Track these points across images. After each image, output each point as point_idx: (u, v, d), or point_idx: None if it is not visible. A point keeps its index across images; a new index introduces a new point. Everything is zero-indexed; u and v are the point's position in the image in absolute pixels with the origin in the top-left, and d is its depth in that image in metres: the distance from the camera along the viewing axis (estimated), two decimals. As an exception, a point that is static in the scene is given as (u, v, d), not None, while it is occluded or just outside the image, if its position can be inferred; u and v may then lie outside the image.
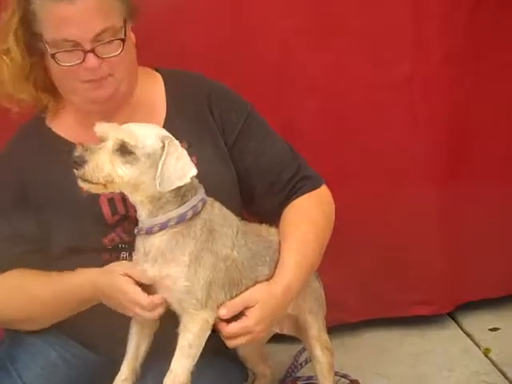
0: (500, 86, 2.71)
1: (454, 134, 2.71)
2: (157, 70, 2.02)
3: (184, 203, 1.72)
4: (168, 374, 1.71)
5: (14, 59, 1.81)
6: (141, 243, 1.77)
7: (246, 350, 2.11)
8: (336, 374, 2.17)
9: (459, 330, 2.84)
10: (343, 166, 2.61)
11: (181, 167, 1.70)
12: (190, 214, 1.73)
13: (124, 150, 1.64)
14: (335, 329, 2.34)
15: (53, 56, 1.74)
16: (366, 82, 2.57)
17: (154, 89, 1.98)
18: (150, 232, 1.73)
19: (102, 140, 1.67)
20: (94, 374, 1.93)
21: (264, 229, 1.93)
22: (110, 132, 1.66)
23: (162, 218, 1.71)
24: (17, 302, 1.84)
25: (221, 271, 1.75)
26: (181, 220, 1.72)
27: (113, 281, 1.72)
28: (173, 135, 1.79)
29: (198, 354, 1.74)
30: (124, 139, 1.65)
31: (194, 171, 1.72)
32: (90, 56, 1.74)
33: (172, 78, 2.01)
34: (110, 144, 1.65)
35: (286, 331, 2.03)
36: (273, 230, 1.94)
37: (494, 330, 2.80)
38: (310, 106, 2.55)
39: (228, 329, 1.74)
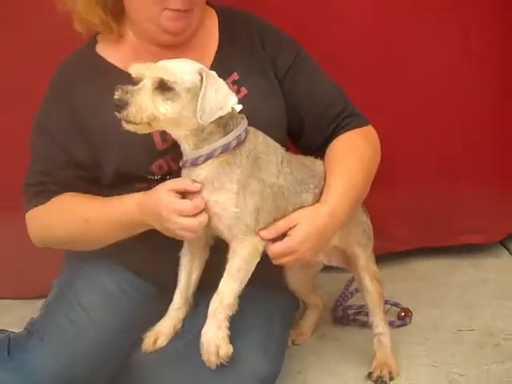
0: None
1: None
2: (209, 5, 2.03)
3: (227, 133, 1.74)
4: (215, 294, 1.74)
5: None
6: (187, 175, 1.79)
7: (297, 280, 2.14)
8: (386, 302, 2.20)
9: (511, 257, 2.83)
10: (394, 95, 2.57)
11: (221, 98, 1.71)
12: (234, 143, 1.74)
13: (164, 88, 1.66)
14: (383, 257, 2.33)
15: None
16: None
17: (209, 23, 2.01)
18: (195, 163, 1.75)
19: (137, 81, 1.68)
20: (148, 302, 1.98)
21: (309, 160, 1.94)
22: (147, 72, 1.67)
23: (207, 149, 1.73)
24: (69, 224, 1.89)
25: (268, 197, 1.77)
26: (225, 149, 1.73)
27: (155, 196, 1.75)
28: (224, 67, 1.88)
29: (247, 279, 1.77)
30: (163, 76, 1.66)
31: (234, 100, 1.73)
32: None
33: (225, 12, 2.03)
34: (149, 83, 1.65)
35: (334, 263, 2.04)
36: (318, 161, 1.95)
37: (546, 257, 2.79)
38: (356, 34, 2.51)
39: (273, 248, 1.77)
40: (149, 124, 1.67)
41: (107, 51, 1.97)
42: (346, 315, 2.31)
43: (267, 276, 1.83)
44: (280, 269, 2.01)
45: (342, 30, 2.49)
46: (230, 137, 1.74)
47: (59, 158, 1.92)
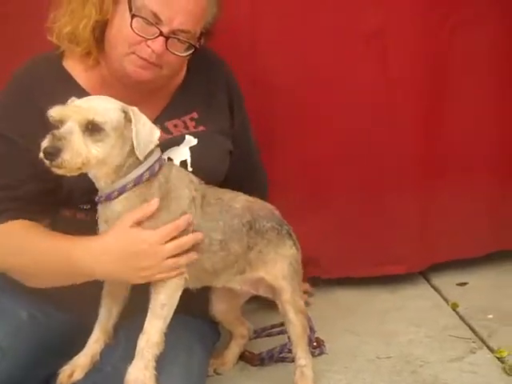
0: (475, 37, 2.69)
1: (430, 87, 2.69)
2: None
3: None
4: (141, 335, 1.73)
5: (103, 9, 1.84)
6: (102, 211, 1.76)
7: (221, 310, 2.12)
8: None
9: (428, 286, 2.88)
10: (319, 116, 2.61)
11: (149, 131, 1.71)
12: (146, 174, 1.72)
13: (93, 129, 1.62)
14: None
15: (132, 16, 1.77)
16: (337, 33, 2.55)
17: None
18: (109, 198, 1.72)
19: (58, 123, 1.62)
20: (65, 334, 1.92)
21: (230, 194, 1.93)
22: (73, 114, 1.62)
23: (120, 183, 1.70)
24: (15, 253, 1.81)
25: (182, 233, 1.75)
26: (138, 182, 1.71)
27: (122, 238, 1.70)
28: (185, 104, 1.97)
29: (171, 315, 1.76)
30: (93, 118, 1.62)
31: (158, 132, 1.73)
32: (161, 41, 1.79)
33: (196, 55, 1.97)
34: (76, 126, 1.60)
35: (261, 293, 2.03)
36: (241, 197, 1.94)
37: (461, 284, 2.85)
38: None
39: None
40: (79, 168, 1.62)
41: (75, 69, 1.93)
42: (270, 356, 2.26)
43: (189, 305, 1.82)
44: (202, 298, 1.99)
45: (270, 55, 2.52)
46: (142, 169, 1.72)
47: (24, 170, 1.83)
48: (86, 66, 1.93)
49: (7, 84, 1.91)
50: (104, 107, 1.67)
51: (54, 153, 1.57)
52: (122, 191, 1.71)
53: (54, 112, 1.63)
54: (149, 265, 1.71)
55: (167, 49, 1.81)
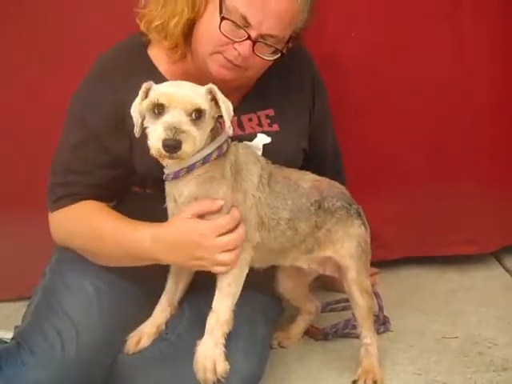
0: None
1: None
2: None
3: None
4: (210, 314, 1.74)
5: (196, 7, 1.81)
6: (170, 189, 1.76)
7: (288, 287, 2.13)
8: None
9: (500, 267, 2.79)
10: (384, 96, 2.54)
11: (228, 106, 1.70)
12: (215, 154, 1.71)
13: (197, 117, 1.61)
14: (374, 264, 2.29)
15: (222, 19, 1.74)
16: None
17: None
18: (177, 176, 1.71)
19: (158, 107, 1.61)
20: (132, 304, 1.95)
21: (298, 174, 1.91)
22: (179, 102, 1.60)
23: (187, 161, 1.68)
24: (84, 236, 1.85)
25: (251, 211, 1.75)
26: (206, 161, 1.70)
27: (179, 227, 1.71)
28: (261, 99, 1.93)
29: (239, 292, 1.77)
30: (200, 107, 1.61)
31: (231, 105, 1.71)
32: (248, 44, 1.75)
33: None
34: (184, 114, 1.60)
35: (328, 272, 2.01)
36: (309, 176, 1.92)
37: (536, 267, 2.75)
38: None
39: None
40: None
41: (160, 60, 1.91)
42: (334, 331, 2.25)
43: (253, 280, 1.82)
44: (266, 273, 1.98)
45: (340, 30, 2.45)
46: (209, 148, 1.71)
47: (99, 157, 1.85)
48: (171, 59, 1.90)
49: (90, 69, 1.91)
50: (199, 93, 1.65)
51: (175, 145, 1.56)
52: (190, 170, 1.70)
53: (160, 96, 1.60)
54: (202, 256, 1.71)
55: (254, 52, 1.77)
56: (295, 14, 1.81)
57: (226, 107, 1.67)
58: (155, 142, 1.58)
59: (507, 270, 2.76)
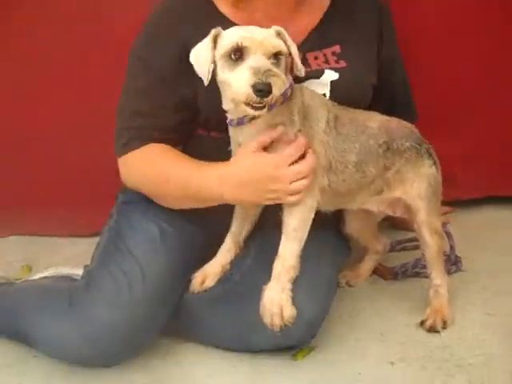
0: None
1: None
2: None
3: None
4: (277, 259, 1.72)
5: None
6: (234, 134, 1.72)
7: (356, 227, 2.10)
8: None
9: None
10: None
11: (295, 48, 1.65)
12: (280, 99, 1.64)
13: (275, 60, 1.57)
14: (447, 204, 2.26)
15: None
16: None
17: None
18: (241, 123, 1.67)
19: (236, 51, 1.55)
20: (197, 245, 1.96)
21: (365, 115, 1.84)
22: (259, 46, 1.55)
23: None
24: (152, 179, 1.85)
25: (319, 155, 1.71)
26: (271, 107, 1.62)
27: (246, 164, 1.68)
28: (327, 36, 1.86)
29: (305, 237, 1.74)
30: (280, 50, 1.58)
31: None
32: None
33: None
34: (264, 58, 1.55)
35: (398, 214, 1.96)
36: (377, 116, 1.85)
37: None
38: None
39: None
40: None
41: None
42: (403, 271, 2.21)
43: (320, 219, 1.79)
44: (333, 213, 1.94)
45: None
46: None
47: (166, 99, 1.83)
48: None
49: (151, 14, 1.87)
50: (271, 35, 1.60)
51: (267, 90, 1.50)
52: (254, 116, 1.63)
53: (243, 40, 1.55)
54: (275, 188, 1.67)
55: None
56: None
57: (295, 48, 1.63)
58: (244, 87, 1.51)
59: None
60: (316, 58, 1.88)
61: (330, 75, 1.87)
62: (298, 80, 1.77)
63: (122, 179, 1.94)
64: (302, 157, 1.68)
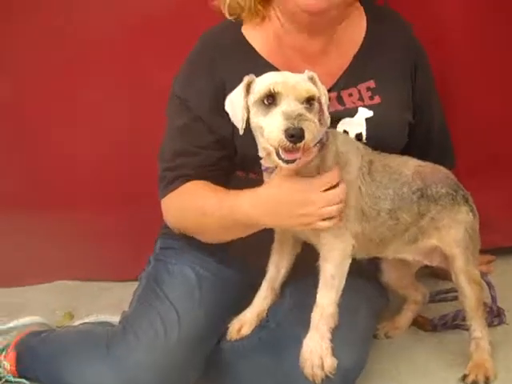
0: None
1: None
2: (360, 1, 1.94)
3: None
4: (315, 308, 1.71)
5: None
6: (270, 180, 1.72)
7: (393, 277, 2.06)
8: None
9: None
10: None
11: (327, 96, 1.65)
12: (317, 146, 1.65)
13: (308, 104, 1.57)
14: (487, 252, 2.21)
15: None
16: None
17: (356, 19, 1.93)
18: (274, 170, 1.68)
19: (268, 97, 1.56)
20: (232, 290, 1.95)
21: (399, 160, 1.83)
22: (292, 90, 1.55)
23: None
24: (190, 214, 1.86)
25: (350, 199, 1.69)
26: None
27: (280, 182, 1.67)
28: (361, 71, 1.87)
29: (342, 285, 1.72)
30: (313, 94, 1.58)
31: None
32: None
33: (375, 11, 1.95)
34: (297, 102, 1.55)
35: (435, 263, 1.93)
36: (411, 161, 1.83)
37: None
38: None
39: None
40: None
41: (252, 35, 1.88)
42: (443, 323, 2.16)
43: (357, 267, 1.78)
44: (370, 261, 1.93)
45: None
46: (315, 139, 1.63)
47: (205, 138, 1.85)
48: (259, 28, 1.87)
49: (189, 54, 1.91)
50: (304, 79, 1.61)
51: (299, 135, 1.50)
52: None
53: (275, 85, 1.56)
54: (307, 212, 1.65)
55: None
56: None
57: (325, 96, 1.64)
58: (276, 133, 1.51)
59: None
60: (350, 95, 1.89)
61: (365, 113, 1.87)
62: (333, 120, 1.75)
63: (165, 219, 1.97)
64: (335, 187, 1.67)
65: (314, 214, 1.66)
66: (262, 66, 1.73)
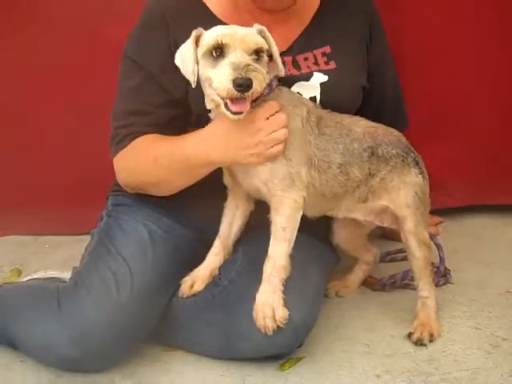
0: None
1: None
2: None
3: None
4: (266, 260, 1.72)
5: None
6: None
7: (345, 238, 2.09)
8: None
9: None
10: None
11: (276, 47, 1.67)
12: (265, 92, 1.68)
13: (258, 56, 1.59)
14: (436, 212, 2.25)
15: None
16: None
17: None
18: None
19: (216, 49, 1.58)
20: (185, 248, 1.95)
21: (350, 119, 1.85)
22: (239, 42, 1.58)
23: None
24: (141, 164, 1.84)
25: (296, 147, 1.71)
26: (256, 103, 1.67)
27: (225, 119, 1.66)
28: (317, 37, 1.89)
29: (294, 237, 1.74)
30: (261, 46, 1.60)
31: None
32: None
33: None
34: (245, 54, 1.57)
35: (386, 224, 1.95)
36: (363, 122, 1.85)
37: None
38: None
39: None
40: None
41: None
42: (392, 282, 2.20)
43: (308, 226, 1.79)
44: (323, 221, 1.94)
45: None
46: None
47: (158, 97, 1.85)
48: None
49: (141, 14, 1.89)
50: (253, 32, 1.63)
51: (247, 84, 1.53)
52: None
53: (223, 37, 1.58)
54: (256, 141, 1.67)
55: None
56: None
57: (276, 47, 1.65)
58: (225, 83, 1.54)
59: None
60: (306, 59, 1.90)
61: (319, 77, 1.89)
62: (287, 83, 1.80)
63: (117, 179, 1.95)
64: None
65: (263, 140, 1.67)
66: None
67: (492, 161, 2.58)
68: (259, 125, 1.67)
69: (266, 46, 1.61)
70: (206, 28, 1.65)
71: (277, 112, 1.69)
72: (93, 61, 2.45)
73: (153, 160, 1.80)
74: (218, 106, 1.62)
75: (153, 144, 1.82)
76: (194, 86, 1.64)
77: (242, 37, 1.58)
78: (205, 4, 1.87)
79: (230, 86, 1.53)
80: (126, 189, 1.96)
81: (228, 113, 1.59)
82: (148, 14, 1.88)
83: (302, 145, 1.72)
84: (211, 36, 1.60)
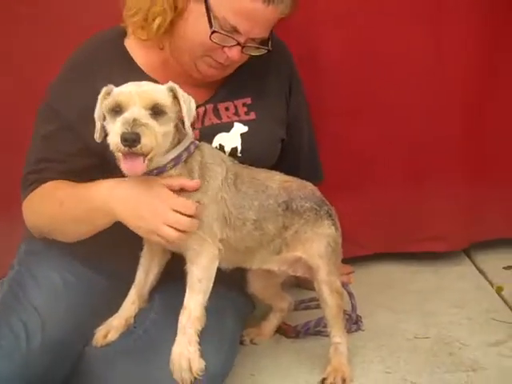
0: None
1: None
2: None
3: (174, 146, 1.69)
4: (182, 311, 1.71)
5: (178, 7, 1.81)
6: None
7: (259, 287, 2.10)
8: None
9: (473, 267, 2.77)
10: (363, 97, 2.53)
11: (191, 105, 1.69)
12: (184, 155, 1.70)
13: (157, 113, 1.60)
14: (345, 261, 2.27)
15: (213, 32, 1.76)
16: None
17: None
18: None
19: (117, 107, 1.59)
20: (100, 295, 1.92)
21: (266, 174, 1.89)
22: (138, 98, 1.59)
23: (158, 162, 1.67)
24: (47, 207, 1.82)
25: (213, 209, 1.73)
26: (177, 162, 1.69)
27: (146, 188, 1.67)
28: (241, 87, 1.94)
29: (210, 288, 1.74)
30: (159, 102, 1.60)
31: (194, 104, 1.70)
32: (238, 49, 1.80)
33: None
34: (143, 110, 1.58)
35: (300, 273, 1.98)
36: (278, 176, 1.90)
37: (508, 268, 2.72)
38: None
39: None
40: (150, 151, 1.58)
41: (136, 50, 1.91)
42: (306, 329, 2.22)
43: (223, 275, 1.81)
44: (236, 270, 1.95)
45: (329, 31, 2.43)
46: (177, 150, 1.70)
47: (71, 145, 1.83)
48: (145, 47, 1.90)
49: (66, 61, 1.90)
50: (161, 89, 1.64)
51: (134, 139, 1.53)
52: (161, 171, 1.68)
53: (119, 96, 1.60)
54: (147, 217, 1.67)
55: (242, 53, 1.81)
56: (279, 16, 1.84)
57: (188, 107, 1.67)
58: (114, 138, 1.56)
59: (479, 270, 2.75)
60: (227, 108, 1.94)
61: (240, 128, 1.93)
62: (210, 134, 1.85)
63: (25, 222, 1.91)
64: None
65: (151, 223, 1.67)
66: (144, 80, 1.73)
67: (397, 213, 2.69)
68: (163, 208, 1.67)
69: (165, 102, 1.62)
70: (130, 80, 1.67)
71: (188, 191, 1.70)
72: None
73: (58, 204, 1.78)
74: (118, 159, 1.63)
75: (60, 188, 1.81)
76: (98, 141, 1.67)
77: (140, 93, 1.60)
78: (131, 57, 1.89)
79: (118, 140, 1.54)
80: (34, 234, 1.92)
81: (124, 169, 1.60)
82: (73, 63, 1.89)
83: (217, 206, 1.75)
84: (113, 93, 1.63)
